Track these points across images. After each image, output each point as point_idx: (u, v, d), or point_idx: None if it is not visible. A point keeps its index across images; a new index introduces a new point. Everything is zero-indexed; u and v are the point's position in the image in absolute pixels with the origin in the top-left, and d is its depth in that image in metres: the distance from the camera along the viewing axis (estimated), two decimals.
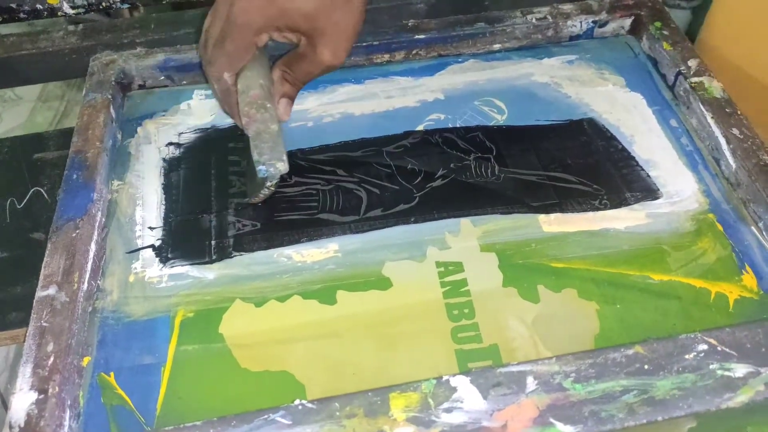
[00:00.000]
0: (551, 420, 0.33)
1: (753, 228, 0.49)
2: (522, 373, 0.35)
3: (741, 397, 0.34)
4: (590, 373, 0.35)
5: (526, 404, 0.34)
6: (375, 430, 0.33)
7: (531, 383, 0.35)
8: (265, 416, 0.34)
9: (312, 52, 0.48)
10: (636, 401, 0.34)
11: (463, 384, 0.35)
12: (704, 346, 0.36)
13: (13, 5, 0.64)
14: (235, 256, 0.49)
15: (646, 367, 0.35)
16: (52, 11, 0.65)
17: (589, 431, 0.33)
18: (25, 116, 1.65)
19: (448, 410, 0.34)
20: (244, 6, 0.46)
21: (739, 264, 0.47)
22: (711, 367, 0.35)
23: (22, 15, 0.65)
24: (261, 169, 0.48)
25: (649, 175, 0.53)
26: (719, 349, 0.36)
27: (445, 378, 0.35)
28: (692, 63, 0.58)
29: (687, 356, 0.35)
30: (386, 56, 0.63)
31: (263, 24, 0.47)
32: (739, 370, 0.35)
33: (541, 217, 0.50)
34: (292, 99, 0.52)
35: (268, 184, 0.49)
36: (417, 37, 0.62)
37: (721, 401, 0.34)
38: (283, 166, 0.48)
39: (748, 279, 0.46)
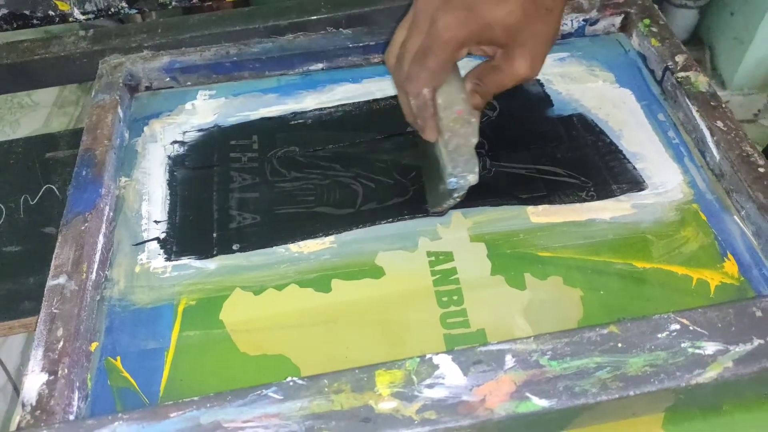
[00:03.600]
0: (527, 394, 0.35)
1: (735, 217, 0.50)
2: (501, 351, 0.37)
3: (710, 373, 0.35)
4: (566, 350, 0.36)
5: (503, 380, 0.36)
6: (361, 404, 0.35)
7: (509, 360, 0.36)
8: (258, 392, 0.36)
9: (509, 64, 0.46)
10: (609, 377, 0.35)
11: (445, 362, 0.36)
12: (676, 326, 0.37)
13: (27, 12, 0.67)
14: (236, 247, 0.51)
15: (619, 345, 0.37)
16: (64, 17, 0.68)
17: (563, 405, 0.35)
18: (41, 121, 1.69)
19: (430, 386, 0.36)
20: (449, 21, 0.44)
21: (721, 252, 0.49)
22: (682, 345, 0.36)
23: (35, 21, 0.68)
24: (451, 181, 0.48)
25: (635, 168, 0.54)
26: (691, 328, 0.37)
27: (428, 356, 0.37)
28: (679, 58, 0.59)
29: (659, 335, 0.37)
30: (383, 56, 0.65)
31: (466, 38, 0.45)
32: (709, 347, 0.36)
33: (530, 208, 0.52)
34: (480, 110, 0.50)
35: (455, 195, 0.49)
36: None
37: (691, 377, 0.35)
38: (473, 178, 0.48)
39: (730, 266, 0.48)
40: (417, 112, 0.48)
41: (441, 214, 0.52)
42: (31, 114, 1.70)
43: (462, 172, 0.47)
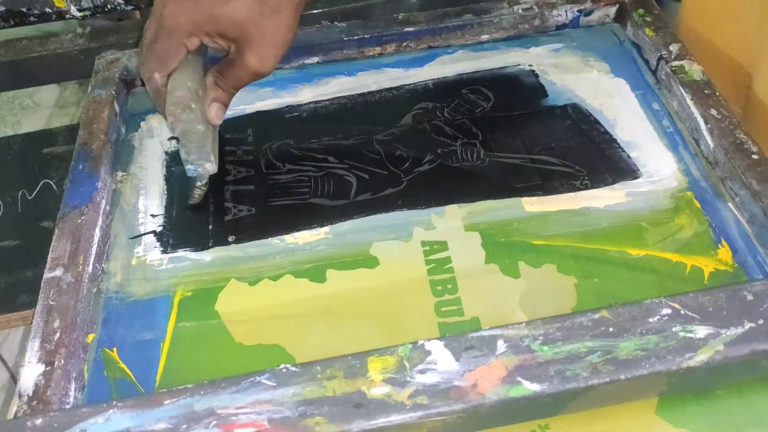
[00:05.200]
0: (518, 379, 0.35)
1: (730, 204, 0.51)
2: (493, 337, 0.37)
3: (701, 357, 0.36)
4: (557, 335, 0.37)
5: (495, 365, 0.36)
6: (353, 390, 0.35)
7: (501, 346, 0.36)
8: (252, 379, 0.36)
9: (240, 58, 0.48)
10: (600, 361, 0.36)
11: (437, 348, 0.37)
12: (668, 310, 0.37)
13: (24, 9, 0.67)
14: (231, 239, 0.51)
15: (611, 329, 0.37)
16: (60, 14, 0.68)
17: (554, 389, 0.35)
18: (43, 122, 1.69)
19: (422, 371, 0.36)
20: (173, 9, 0.47)
21: (715, 238, 0.49)
22: (674, 329, 0.37)
23: (32, 19, 0.68)
24: (189, 168, 0.50)
25: (629, 156, 0.55)
26: (682, 312, 0.37)
27: (420, 342, 0.37)
28: (673, 47, 0.59)
29: (651, 320, 0.37)
30: (378, 49, 0.65)
31: (192, 28, 0.48)
32: (701, 331, 0.36)
33: (524, 197, 0.52)
34: (224, 104, 0.51)
35: (198, 183, 0.51)
36: (407, 29, 0.65)
37: (682, 360, 0.35)
38: (210, 167, 0.50)
39: (724, 253, 0.48)
40: (153, 97, 0.51)
41: (195, 204, 0.53)
42: (33, 115, 1.70)
43: (197, 159, 0.49)
